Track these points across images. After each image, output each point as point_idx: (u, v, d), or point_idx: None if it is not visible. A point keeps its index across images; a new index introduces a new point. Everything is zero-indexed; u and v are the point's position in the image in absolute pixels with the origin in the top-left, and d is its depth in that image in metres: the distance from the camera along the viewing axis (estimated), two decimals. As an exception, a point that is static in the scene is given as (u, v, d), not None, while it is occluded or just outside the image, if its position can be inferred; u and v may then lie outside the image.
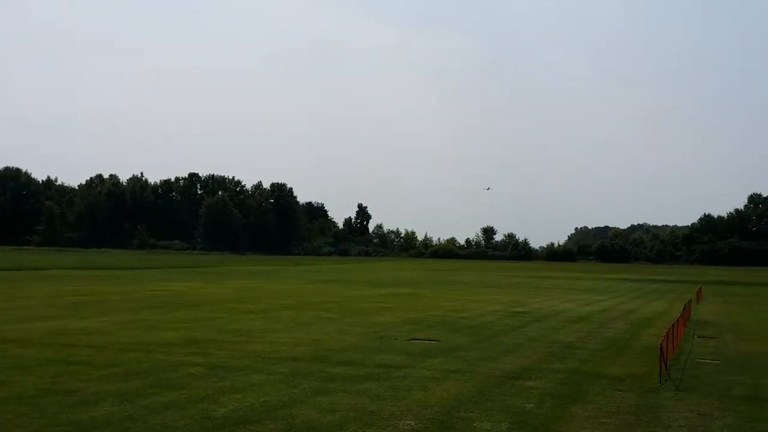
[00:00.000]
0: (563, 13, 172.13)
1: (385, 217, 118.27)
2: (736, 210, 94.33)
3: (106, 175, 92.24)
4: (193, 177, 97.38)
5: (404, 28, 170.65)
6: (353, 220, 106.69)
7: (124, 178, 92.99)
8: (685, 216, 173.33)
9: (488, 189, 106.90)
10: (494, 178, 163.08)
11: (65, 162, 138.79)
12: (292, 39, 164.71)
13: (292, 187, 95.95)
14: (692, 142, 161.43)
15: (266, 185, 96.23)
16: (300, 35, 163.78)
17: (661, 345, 7.44)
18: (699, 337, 11.47)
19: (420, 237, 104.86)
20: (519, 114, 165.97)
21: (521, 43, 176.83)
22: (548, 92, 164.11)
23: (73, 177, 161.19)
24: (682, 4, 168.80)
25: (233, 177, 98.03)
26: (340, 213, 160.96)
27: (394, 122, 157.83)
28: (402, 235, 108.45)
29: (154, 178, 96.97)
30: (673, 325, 9.25)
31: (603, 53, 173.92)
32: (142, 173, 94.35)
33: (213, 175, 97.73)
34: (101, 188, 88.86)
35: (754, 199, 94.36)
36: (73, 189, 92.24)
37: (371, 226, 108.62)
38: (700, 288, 23.72)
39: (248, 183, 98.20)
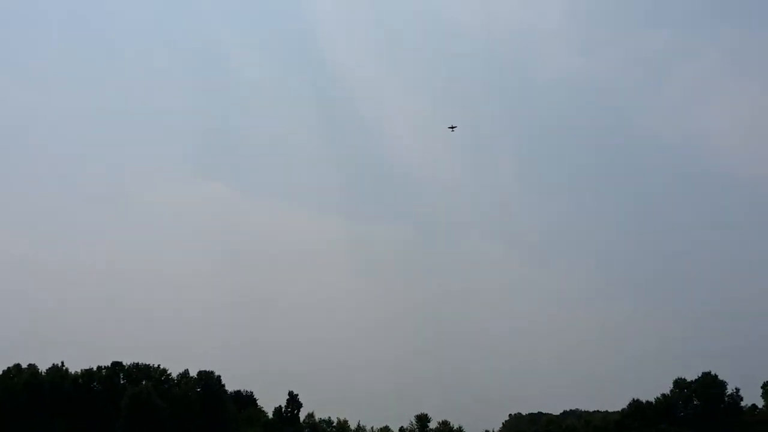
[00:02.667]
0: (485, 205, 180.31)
1: (316, 404, 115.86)
2: (663, 395, 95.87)
3: (24, 365, 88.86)
4: (116, 366, 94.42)
5: (327, 217, 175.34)
6: (284, 409, 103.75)
7: (43, 367, 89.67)
8: (616, 400, 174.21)
9: (453, 128, 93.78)
10: (425, 359, 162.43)
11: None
12: (216, 225, 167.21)
13: (220, 374, 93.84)
14: (618, 325, 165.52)
15: (193, 373, 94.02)
16: (225, 223, 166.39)
17: None
18: None
19: (353, 425, 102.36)
20: (448, 294, 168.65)
21: (445, 227, 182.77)
22: (475, 272, 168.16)
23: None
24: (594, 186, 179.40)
25: (158, 365, 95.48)
26: (270, 400, 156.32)
27: (323, 303, 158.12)
28: (334, 424, 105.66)
29: (75, 367, 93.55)
30: None
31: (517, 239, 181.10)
32: (62, 362, 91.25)
33: (137, 364, 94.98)
34: (18, 379, 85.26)
35: (680, 384, 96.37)
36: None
37: (302, 415, 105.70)
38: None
39: (174, 371, 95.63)
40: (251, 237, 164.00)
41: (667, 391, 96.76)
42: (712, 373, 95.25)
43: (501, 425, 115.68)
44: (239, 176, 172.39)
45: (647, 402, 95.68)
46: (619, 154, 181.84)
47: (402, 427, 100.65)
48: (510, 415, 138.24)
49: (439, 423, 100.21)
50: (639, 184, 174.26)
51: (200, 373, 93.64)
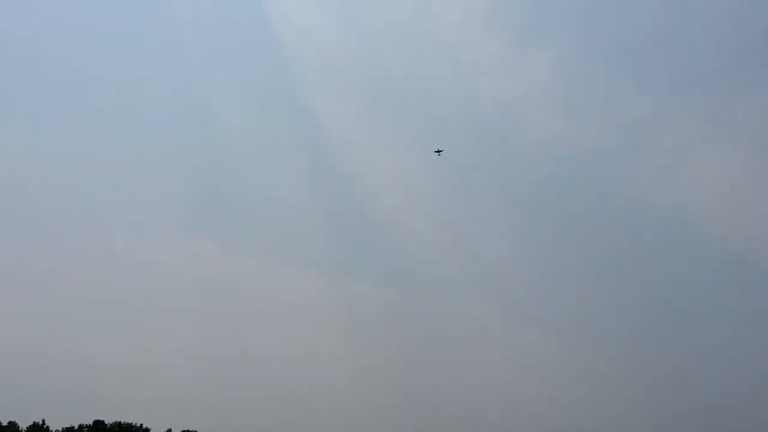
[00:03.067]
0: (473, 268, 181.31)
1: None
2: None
3: (5, 422, 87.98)
4: (98, 425, 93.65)
5: (314, 274, 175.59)
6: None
7: (24, 425, 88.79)
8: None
9: (439, 152, 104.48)
10: (407, 418, 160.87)
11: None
12: (203, 282, 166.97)
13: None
14: (602, 379, 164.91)
15: (177, 431, 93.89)
16: (212, 279, 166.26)
17: None
18: None
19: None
20: (431, 353, 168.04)
21: (430, 286, 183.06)
22: (463, 339, 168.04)
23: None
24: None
25: (141, 424, 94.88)
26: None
27: (307, 360, 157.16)
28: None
29: (56, 425, 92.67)
30: None
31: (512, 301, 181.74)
32: (43, 420, 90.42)
33: (119, 423, 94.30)
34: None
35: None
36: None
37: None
38: None
39: (157, 429, 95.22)
40: (237, 293, 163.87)
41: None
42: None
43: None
44: (227, 233, 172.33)
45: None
46: (602, 215, 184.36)
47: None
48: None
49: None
50: (620, 245, 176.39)
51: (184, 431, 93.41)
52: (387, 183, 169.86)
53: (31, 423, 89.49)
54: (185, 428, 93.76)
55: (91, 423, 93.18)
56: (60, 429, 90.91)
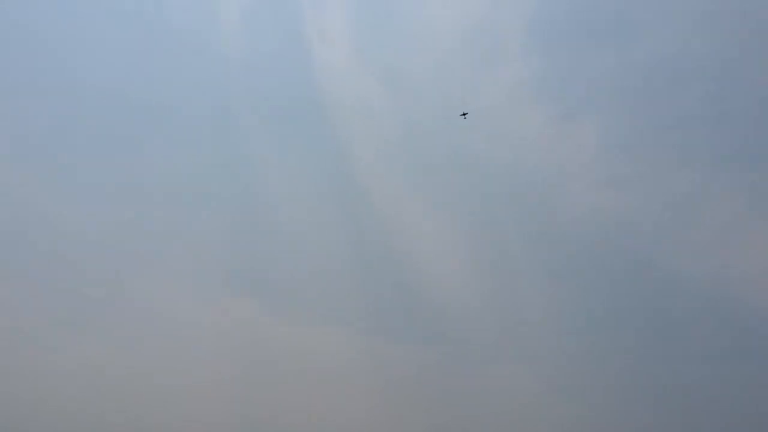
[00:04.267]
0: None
1: None
2: None
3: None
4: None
5: (348, 335, 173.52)
6: None
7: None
8: None
9: (464, 114, 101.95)
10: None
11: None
12: (238, 342, 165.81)
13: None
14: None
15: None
16: (247, 340, 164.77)
17: None
18: None
19: None
20: (467, 420, 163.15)
21: (467, 350, 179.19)
22: (502, 410, 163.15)
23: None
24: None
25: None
26: None
27: (341, 425, 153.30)
28: None
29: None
30: None
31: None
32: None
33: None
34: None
35: None
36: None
37: None
38: None
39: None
40: (271, 353, 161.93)
41: None
42: None
43: None
44: (265, 295, 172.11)
45: None
46: (644, 288, 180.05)
47: None
48: None
49: None
50: (661, 319, 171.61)
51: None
52: (427, 249, 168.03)
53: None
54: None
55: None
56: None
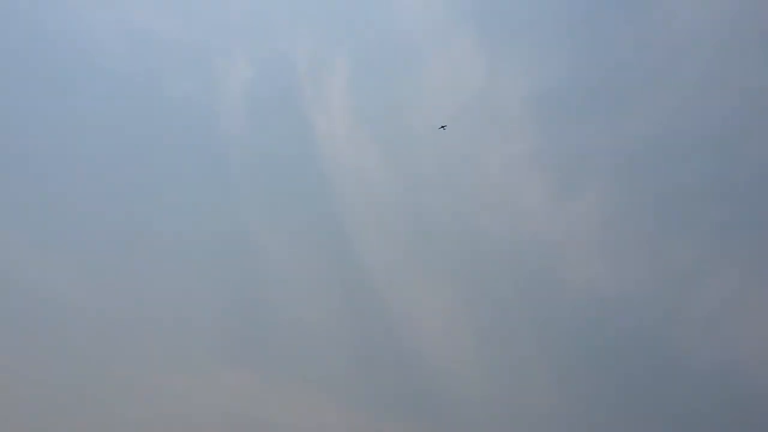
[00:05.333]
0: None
1: None
2: None
3: None
4: None
5: (343, 406, 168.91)
6: None
7: None
8: None
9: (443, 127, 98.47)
10: None
11: None
12: (236, 417, 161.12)
13: None
14: None
15: None
16: (245, 414, 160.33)
17: None
18: None
19: None
20: None
21: (464, 423, 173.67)
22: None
23: None
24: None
25: None
26: None
27: None
28: None
29: None
30: None
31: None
32: None
33: None
34: None
35: None
36: None
37: None
38: None
39: None
40: (264, 427, 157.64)
41: None
42: None
43: None
44: (259, 364, 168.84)
45: None
46: (643, 365, 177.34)
47: None
48: None
49: None
50: (661, 398, 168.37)
51: None
52: (425, 318, 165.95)
53: None
54: None
55: None
56: None
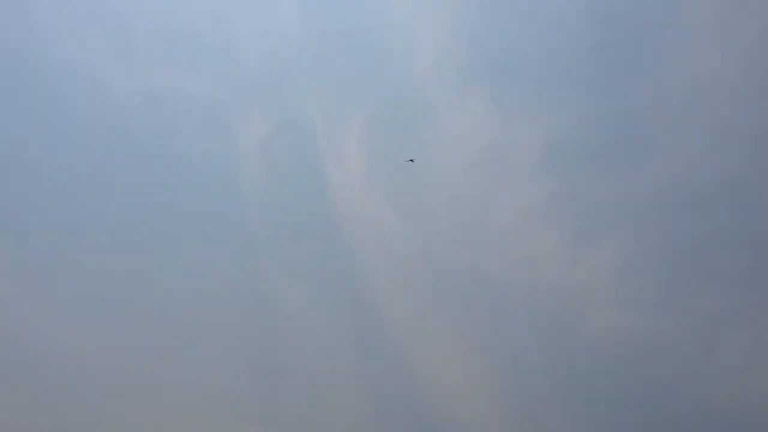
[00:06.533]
0: None
1: None
2: None
3: None
4: None
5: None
6: None
7: None
8: None
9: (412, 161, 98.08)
10: None
11: None
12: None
13: None
14: None
15: None
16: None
17: None
18: None
19: None
20: None
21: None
22: None
23: None
24: None
25: None
26: None
27: None
28: None
29: None
30: None
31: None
32: None
33: None
34: None
35: None
36: None
37: None
38: None
39: None
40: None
41: None
42: None
43: None
44: (275, 421, 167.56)
45: None
46: (667, 414, 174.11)
47: None
48: None
49: None
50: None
51: None
52: (443, 372, 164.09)
53: None
54: None
55: None
56: None
